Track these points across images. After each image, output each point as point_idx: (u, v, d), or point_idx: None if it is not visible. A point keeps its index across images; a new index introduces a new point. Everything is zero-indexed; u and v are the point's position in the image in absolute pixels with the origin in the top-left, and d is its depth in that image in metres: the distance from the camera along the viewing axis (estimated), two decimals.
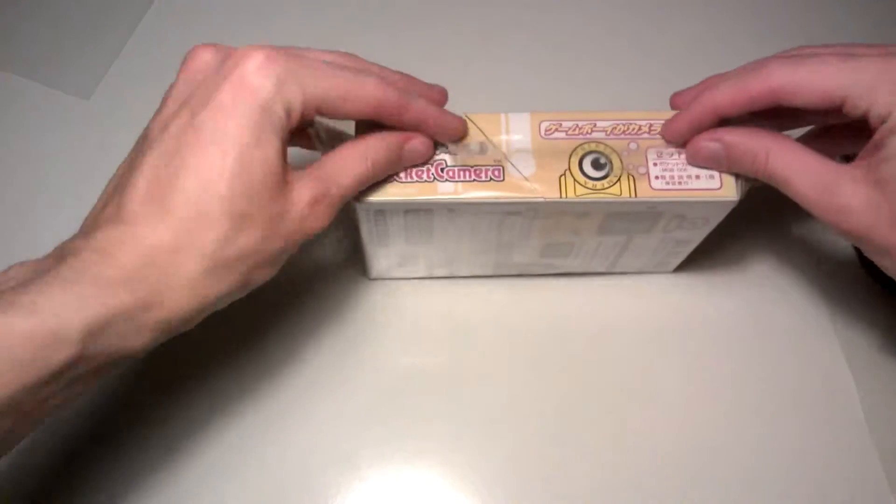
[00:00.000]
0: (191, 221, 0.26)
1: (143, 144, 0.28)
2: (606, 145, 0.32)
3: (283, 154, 0.28)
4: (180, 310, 0.27)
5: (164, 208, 0.26)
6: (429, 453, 0.37)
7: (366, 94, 0.28)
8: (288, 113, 0.27)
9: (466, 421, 0.38)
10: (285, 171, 0.28)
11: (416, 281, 0.41)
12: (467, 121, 0.33)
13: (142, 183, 0.27)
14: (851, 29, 0.48)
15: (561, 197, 0.31)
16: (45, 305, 0.23)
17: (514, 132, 0.32)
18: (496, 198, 0.32)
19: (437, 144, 0.32)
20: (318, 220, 0.29)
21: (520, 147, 0.32)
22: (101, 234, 0.26)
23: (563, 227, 0.34)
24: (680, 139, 0.32)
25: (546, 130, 0.32)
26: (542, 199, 0.32)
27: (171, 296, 0.26)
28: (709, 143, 0.31)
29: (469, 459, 0.37)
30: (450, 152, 0.32)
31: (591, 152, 0.32)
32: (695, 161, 0.32)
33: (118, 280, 0.25)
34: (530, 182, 0.32)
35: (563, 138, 0.32)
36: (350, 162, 0.30)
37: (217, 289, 0.27)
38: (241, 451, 0.37)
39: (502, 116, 0.33)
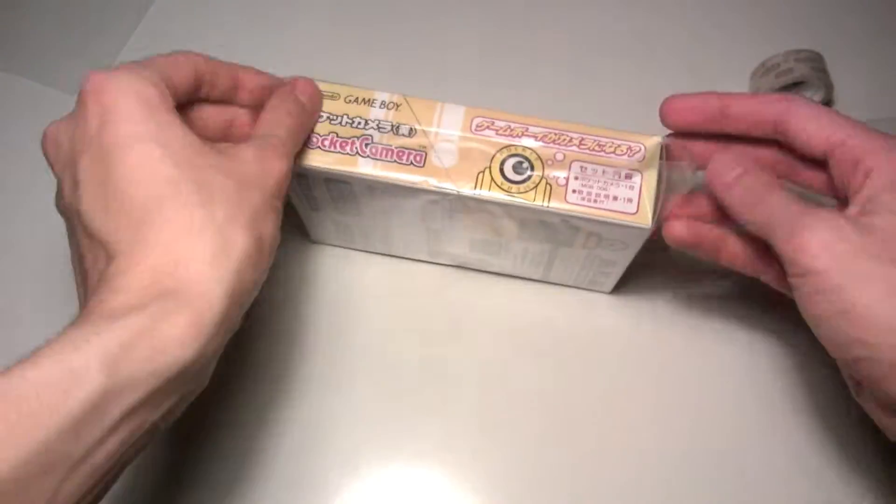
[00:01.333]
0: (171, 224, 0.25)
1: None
2: (533, 151, 0.31)
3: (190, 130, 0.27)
4: (210, 302, 0.24)
5: (137, 231, 0.25)
6: (429, 453, 0.36)
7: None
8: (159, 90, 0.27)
9: (465, 419, 0.37)
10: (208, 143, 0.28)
11: (366, 254, 0.40)
12: (404, 102, 0.32)
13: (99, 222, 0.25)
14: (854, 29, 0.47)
15: (475, 190, 0.31)
16: (56, 348, 0.22)
17: (445, 122, 0.32)
18: (408, 182, 0.31)
19: (366, 120, 0.32)
20: (276, 162, 0.28)
21: (447, 138, 0.32)
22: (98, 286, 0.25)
23: (482, 224, 0.33)
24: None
25: (477, 126, 0.32)
26: (453, 191, 0.31)
27: (194, 291, 0.24)
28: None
29: (469, 459, 0.36)
30: (379, 129, 0.32)
31: (514, 155, 0.31)
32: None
33: (128, 305, 0.23)
34: (448, 173, 0.31)
35: (491, 137, 0.32)
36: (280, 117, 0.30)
37: (237, 256, 0.25)
38: (241, 450, 0.36)
39: (438, 105, 0.32)
